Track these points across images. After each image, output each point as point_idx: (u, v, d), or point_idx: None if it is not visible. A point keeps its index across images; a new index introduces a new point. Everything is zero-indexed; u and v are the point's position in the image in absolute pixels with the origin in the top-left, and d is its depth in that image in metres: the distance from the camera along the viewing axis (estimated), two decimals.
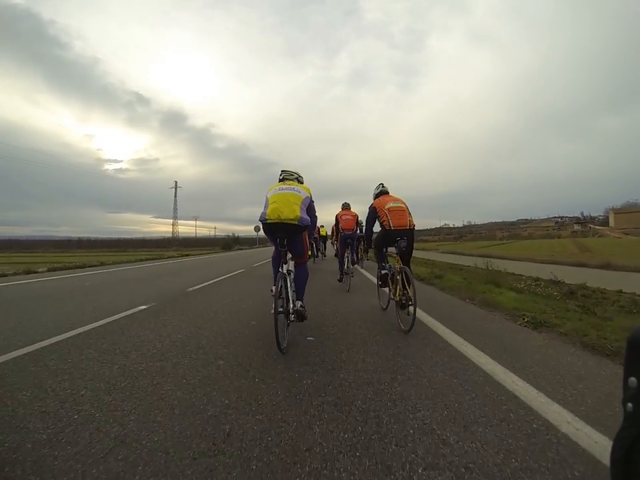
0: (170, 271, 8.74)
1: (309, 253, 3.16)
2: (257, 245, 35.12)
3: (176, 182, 75.07)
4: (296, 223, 2.50)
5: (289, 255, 2.76)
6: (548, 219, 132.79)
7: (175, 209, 73.00)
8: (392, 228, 3.20)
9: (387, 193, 3.65)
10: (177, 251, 25.97)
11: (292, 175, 3.03)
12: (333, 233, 9.70)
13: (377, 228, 3.56)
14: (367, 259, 10.99)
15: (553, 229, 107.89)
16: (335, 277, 6.65)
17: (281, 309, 2.40)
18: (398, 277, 3.18)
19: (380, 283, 3.61)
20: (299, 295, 2.72)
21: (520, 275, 8.33)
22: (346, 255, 5.77)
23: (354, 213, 6.26)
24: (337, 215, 6.22)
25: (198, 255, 19.57)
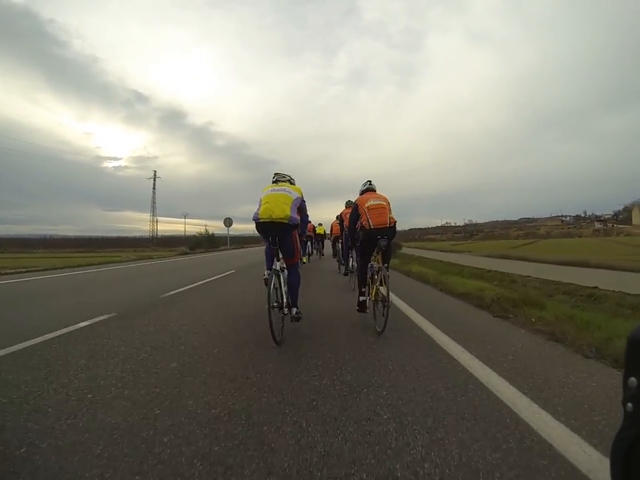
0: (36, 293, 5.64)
1: (300, 254, 3.36)
2: (228, 246, 29.15)
3: (155, 172, 64.27)
4: (286, 221, 2.83)
5: (281, 254, 3.01)
6: (554, 218, 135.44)
7: (154, 204, 62.13)
8: (372, 227, 3.27)
9: (373, 190, 3.72)
10: (136, 253, 22.70)
11: (284, 177, 3.31)
12: (331, 231, 9.75)
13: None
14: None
15: (569, 228, 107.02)
16: (335, 276, 7.35)
17: (275, 304, 2.71)
18: (376, 277, 3.26)
19: (357, 308, 3.57)
20: (294, 300, 3.02)
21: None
22: (351, 254, 5.88)
23: None
24: (341, 214, 6.41)
25: (158, 257, 16.69)
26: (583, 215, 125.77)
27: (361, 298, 3.53)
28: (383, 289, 3.06)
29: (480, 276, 8.00)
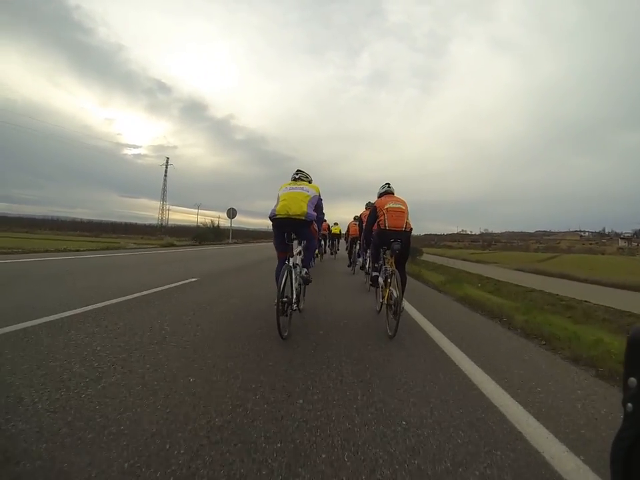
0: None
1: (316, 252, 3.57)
2: (230, 240, 24.86)
3: (167, 158, 63.84)
4: (303, 218, 2.92)
5: (297, 249, 3.08)
6: (572, 232, 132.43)
7: (164, 191, 61.85)
8: (387, 228, 3.32)
9: (391, 193, 3.77)
10: (134, 241, 19.83)
11: (307, 176, 3.46)
12: (348, 232, 9.85)
13: None
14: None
15: (591, 244, 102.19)
16: (349, 277, 7.60)
17: (285, 299, 2.72)
18: (389, 280, 3.27)
19: (370, 282, 3.96)
20: (306, 262, 3.19)
21: None
22: (367, 254, 5.91)
23: None
24: (360, 215, 6.61)
25: (132, 248, 13.45)
26: (602, 232, 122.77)
27: (374, 273, 3.84)
28: (395, 292, 3.08)
29: (552, 304, 6.18)
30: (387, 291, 3.25)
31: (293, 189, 3.12)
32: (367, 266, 6.05)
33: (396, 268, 3.26)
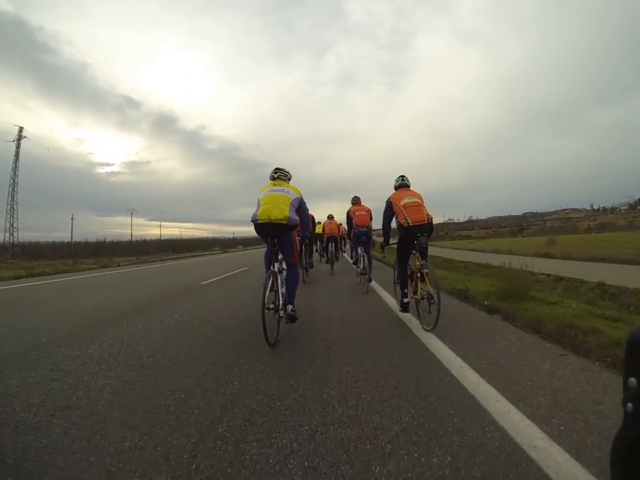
0: None
1: (306, 255, 3.51)
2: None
3: (21, 128, 37.54)
4: (285, 222, 2.85)
5: (280, 256, 3.06)
6: (573, 210, 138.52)
7: (14, 183, 36.54)
8: (410, 224, 3.25)
9: (407, 186, 3.69)
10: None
11: (285, 174, 3.33)
12: (323, 231, 9.64)
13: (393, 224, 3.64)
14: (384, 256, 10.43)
15: (626, 218, 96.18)
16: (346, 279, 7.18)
17: (272, 305, 2.75)
18: (418, 275, 3.28)
19: (400, 308, 3.53)
20: (290, 298, 3.03)
21: None
22: (360, 253, 5.68)
23: (367, 207, 6.03)
24: (348, 211, 6.06)
25: None
26: (606, 207, 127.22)
27: (405, 300, 3.44)
28: (425, 286, 3.07)
29: None
30: (418, 285, 3.25)
31: (273, 191, 3.02)
32: (360, 263, 5.75)
33: (422, 261, 3.25)
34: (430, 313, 2.99)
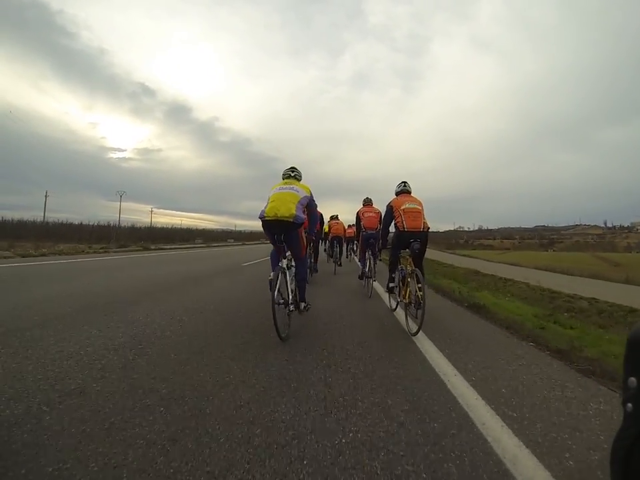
0: None
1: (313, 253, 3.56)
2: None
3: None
4: (291, 220, 2.88)
5: (288, 252, 3.12)
6: (591, 227, 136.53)
7: None
8: (405, 229, 3.43)
9: (408, 192, 3.82)
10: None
11: (299, 173, 3.44)
12: (329, 231, 9.57)
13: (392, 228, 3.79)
14: (380, 259, 10.33)
15: None
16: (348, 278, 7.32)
17: (281, 301, 2.79)
18: (409, 279, 3.39)
19: (386, 290, 4.02)
20: (302, 294, 3.14)
21: None
22: (367, 256, 5.56)
23: (377, 209, 5.93)
24: (357, 212, 5.95)
25: None
26: (622, 225, 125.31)
27: (391, 284, 3.89)
28: (419, 293, 3.16)
29: None
30: (408, 290, 3.35)
31: (282, 189, 3.10)
32: (367, 270, 5.40)
33: (415, 267, 3.35)
34: (417, 317, 3.07)
